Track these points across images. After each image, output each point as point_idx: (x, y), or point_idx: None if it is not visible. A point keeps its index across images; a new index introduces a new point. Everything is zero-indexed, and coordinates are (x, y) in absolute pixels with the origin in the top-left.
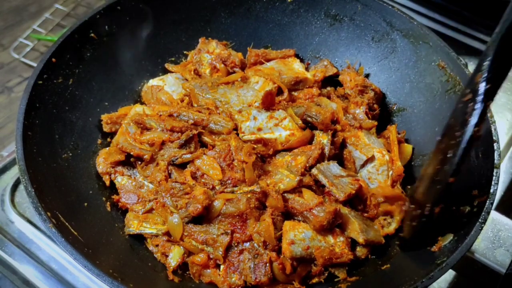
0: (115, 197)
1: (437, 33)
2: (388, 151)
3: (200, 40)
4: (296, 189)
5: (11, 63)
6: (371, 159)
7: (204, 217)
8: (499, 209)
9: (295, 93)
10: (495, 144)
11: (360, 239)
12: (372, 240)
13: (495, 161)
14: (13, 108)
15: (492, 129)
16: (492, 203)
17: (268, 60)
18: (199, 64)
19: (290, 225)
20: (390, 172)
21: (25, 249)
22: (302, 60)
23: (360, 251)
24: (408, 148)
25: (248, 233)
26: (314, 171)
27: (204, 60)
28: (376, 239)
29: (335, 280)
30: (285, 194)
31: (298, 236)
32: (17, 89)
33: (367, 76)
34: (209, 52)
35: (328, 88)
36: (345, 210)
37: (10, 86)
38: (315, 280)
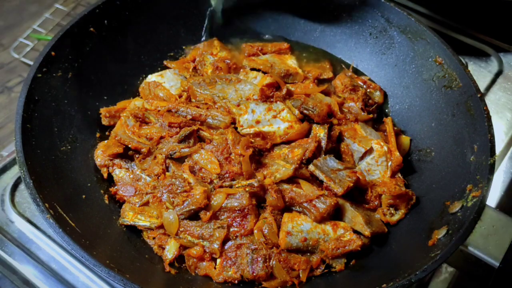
0: (112, 189)
1: (437, 33)
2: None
3: (202, 43)
4: (293, 179)
5: (11, 63)
6: (369, 151)
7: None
8: (499, 208)
9: (292, 88)
10: (490, 139)
11: (366, 232)
12: (376, 231)
13: (490, 156)
14: (13, 108)
15: (488, 124)
16: (486, 198)
17: (265, 53)
18: (201, 64)
19: (289, 216)
20: (389, 163)
21: (25, 249)
22: (299, 55)
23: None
24: (405, 139)
25: (248, 227)
26: (311, 167)
27: (207, 61)
28: (379, 229)
29: (332, 270)
30: (282, 184)
31: (296, 228)
32: (17, 89)
33: (363, 72)
34: (213, 54)
35: (326, 84)
36: (346, 204)
37: (10, 86)
38: (312, 273)
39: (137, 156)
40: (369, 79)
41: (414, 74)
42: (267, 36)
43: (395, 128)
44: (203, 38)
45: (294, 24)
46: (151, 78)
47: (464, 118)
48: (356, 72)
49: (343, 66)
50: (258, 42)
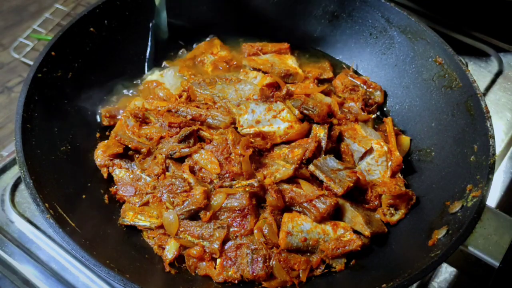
0: (112, 189)
1: (437, 33)
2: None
3: (203, 42)
4: (293, 179)
5: (11, 63)
6: (369, 151)
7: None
8: (499, 208)
9: (292, 88)
10: (490, 139)
11: (366, 232)
12: (376, 231)
13: (490, 156)
14: (13, 108)
15: (488, 124)
16: (486, 198)
17: (265, 53)
18: (201, 63)
19: (289, 216)
20: (389, 163)
21: (25, 249)
22: (299, 55)
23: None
24: (405, 139)
25: (247, 227)
26: (311, 167)
27: (207, 60)
28: (379, 229)
29: (332, 270)
30: (282, 184)
31: (296, 228)
32: (17, 89)
33: (362, 73)
34: (213, 53)
35: (326, 84)
36: (346, 204)
37: (10, 86)
38: (312, 274)
39: (137, 156)
40: (369, 79)
41: (414, 74)
42: (268, 37)
43: (395, 128)
44: (146, 69)
45: (294, 24)
46: (151, 77)
47: (464, 118)
48: (356, 72)
49: (344, 66)
50: (258, 42)
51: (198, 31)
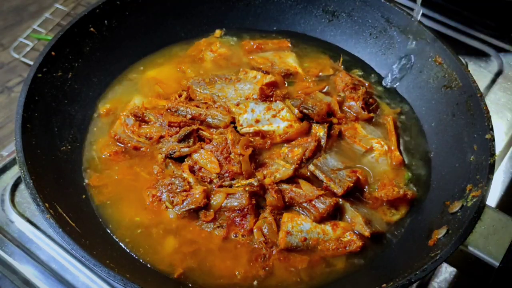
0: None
1: (437, 33)
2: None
3: (202, 40)
4: (293, 179)
5: (11, 63)
6: (369, 150)
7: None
8: (499, 208)
9: (292, 87)
10: (490, 139)
11: (366, 233)
12: (376, 231)
13: (490, 156)
14: (13, 108)
15: (488, 124)
16: (486, 197)
17: (265, 51)
18: (201, 60)
19: (289, 216)
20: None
21: (25, 249)
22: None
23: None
24: None
25: (247, 227)
26: (311, 167)
27: (207, 57)
28: (379, 229)
29: (332, 270)
30: (282, 184)
31: (296, 228)
32: (17, 89)
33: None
34: (212, 50)
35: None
36: (346, 204)
37: (10, 86)
38: (311, 273)
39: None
40: None
41: (414, 74)
42: (267, 36)
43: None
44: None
45: (294, 24)
46: (151, 75)
47: (464, 118)
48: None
49: (343, 66)
50: (258, 39)
51: (198, 29)
